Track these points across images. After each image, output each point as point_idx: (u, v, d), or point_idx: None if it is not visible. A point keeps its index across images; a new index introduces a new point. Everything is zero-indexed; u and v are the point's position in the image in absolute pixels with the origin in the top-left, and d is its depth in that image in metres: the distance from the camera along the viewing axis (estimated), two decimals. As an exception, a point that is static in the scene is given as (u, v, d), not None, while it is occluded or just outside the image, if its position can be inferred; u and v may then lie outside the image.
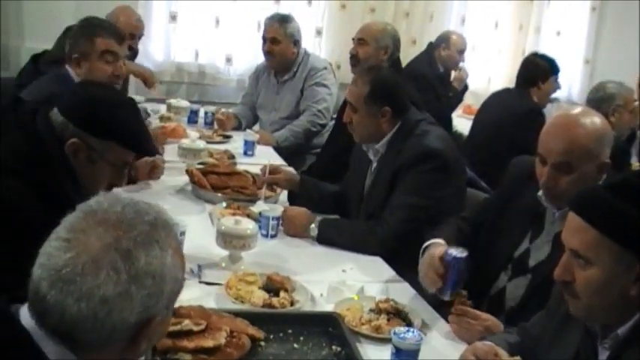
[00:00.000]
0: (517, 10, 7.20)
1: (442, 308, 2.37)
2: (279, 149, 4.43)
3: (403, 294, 2.47)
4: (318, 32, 6.52)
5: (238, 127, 4.77)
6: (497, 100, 4.96)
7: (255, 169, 3.63)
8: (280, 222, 2.91)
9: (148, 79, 4.74)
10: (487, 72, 7.18)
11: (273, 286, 2.36)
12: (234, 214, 2.83)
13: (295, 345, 2.05)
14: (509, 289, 2.45)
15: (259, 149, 4.24)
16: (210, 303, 2.19)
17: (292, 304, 2.29)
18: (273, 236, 2.86)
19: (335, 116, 4.54)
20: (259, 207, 3.06)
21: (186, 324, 1.91)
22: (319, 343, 2.07)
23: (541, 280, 2.27)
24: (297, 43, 4.76)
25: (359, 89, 2.98)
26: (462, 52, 5.99)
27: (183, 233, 2.50)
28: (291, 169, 3.41)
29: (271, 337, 2.07)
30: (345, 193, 3.31)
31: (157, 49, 6.12)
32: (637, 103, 4.34)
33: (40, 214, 1.82)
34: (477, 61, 7.05)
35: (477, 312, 2.24)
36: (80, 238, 1.18)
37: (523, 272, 2.41)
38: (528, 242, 2.43)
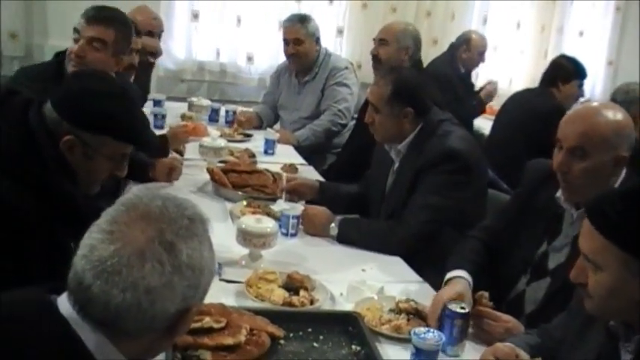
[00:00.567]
0: (539, 11, 7.17)
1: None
2: (299, 148, 4.43)
3: (423, 294, 2.45)
4: (340, 32, 6.53)
5: (259, 126, 4.78)
6: (519, 100, 4.93)
7: (276, 168, 3.65)
8: (300, 221, 2.91)
9: None
10: (509, 72, 7.15)
11: (293, 285, 2.36)
12: (254, 213, 2.84)
13: (315, 344, 2.05)
14: (528, 292, 2.43)
15: (280, 148, 4.25)
16: (230, 301, 2.19)
17: (312, 302, 2.29)
18: (293, 235, 2.86)
19: (356, 116, 4.54)
20: (279, 206, 3.06)
21: (207, 321, 1.92)
22: (339, 342, 2.07)
23: (561, 283, 2.25)
24: (318, 40, 4.77)
25: (381, 90, 2.97)
26: (482, 53, 5.97)
27: (204, 231, 2.52)
28: (310, 180, 3.41)
29: (291, 335, 2.07)
30: (365, 193, 3.31)
31: (179, 47, 6.16)
32: None
33: (39, 212, 1.82)
34: (498, 62, 7.04)
35: (498, 313, 2.23)
36: (124, 231, 1.22)
37: (542, 275, 2.40)
38: (547, 245, 2.41)
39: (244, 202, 3.08)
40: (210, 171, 3.34)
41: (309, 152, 4.41)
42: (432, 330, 2.02)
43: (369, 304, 2.30)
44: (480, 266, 2.46)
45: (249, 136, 4.49)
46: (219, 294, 2.24)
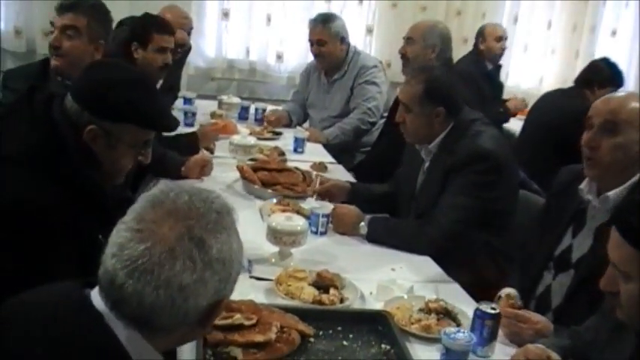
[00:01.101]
0: (571, 10, 7.10)
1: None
2: (328, 147, 4.43)
3: (453, 294, 2.45)
4: (369, 30, 6.53)
5: (289, 125, 4.80)
6: (550, 100, 4.89)
7: (305, 166, 3.66)
8: (330, 219, 2.92)
9: None
10: (539, 72, 7.10)
11: (322, 283, 2.36)
12: (284, 211, 2.85)
13: (344, 342, 2.05)
14: (554, 287, 2.44)
15: (309, 146, 4.25)
16: (260, 298, 2.20)
17: (342, 301, 2.30)
18: (323, 233, 2.87)
19: (385, 114, 4.53)
20: (309, 204, 3.07)
21: (237, 318, 1.93)
22: (368, 341, 2.07)
23: (585, 275, 2.26)
24: (343, 40, 4.75)
25: (412, 89, 2.97)
26: (499, 39, 5.83)
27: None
28: (342, 182, 3.41)
29: (320, 333, 2.07)
30: (396, 192, 3.30)
31: (209, 45, 6.21)
32: None
33: (67, 206, 1.83)
34: (529, 61, 6.99)
35: (527, 314, 2.21)
36: (152, 229, 1.22)
37: (566, 268, 2.41)
38: (571, 238, 2.42)
39: (274, 200, 3.09)
40: (240, 169, 3.36)
41: (338, 151, 4.41)
42: (462, 330, 2.01)
43: (399, 303, 2.30)
44: None
45: (278, 134, 4.50)
46: (249, 291, 2.25)
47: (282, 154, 3.93)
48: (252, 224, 2.82)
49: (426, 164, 3.07)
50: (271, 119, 4.74)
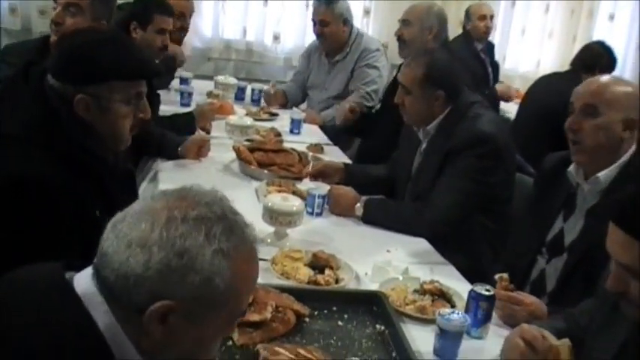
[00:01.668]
0: (569, -7, 7.07)
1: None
2: (325, 128, 4.43)
3: (448, 276, 2.46)
4: (367, 12, 6.50)
5: (284, 105, 4.79)
6: (546, 83, 4.88)
7: (302, 148, 3.66)
8: (326, 200, 2.92)
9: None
10: (536, 56, 7.08)
11: (318, 264, 2.37)
12: (280, 192, 2.85)
13: (339, 322, 2.06)
14: (548, 271, 2.46)
15: (306, 127, 4.26)
16: (256, 278, 2.20)
17: (337, 282, 2.31)
18: (319, 214, 2.88)
19: (381, 97, 4.53)
20: (306, 185, 3.07)
21: (233, 297, 1.93)
22: (363, 322, 2.08)
23: (578, 258, 2.30)
24: (347, 21, 4.73)
25: (413, 72, 2.96)
26: (483, 17, 5.78)
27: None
28: (336, 162, 3.41)
29: (316, 313, 2.08)
30: (393, 175, 3.31)
31: (206, 25, 6.17)
32: None
33: (69, 182, 1.83)
34: (526, 45, 6.97)
35: (520, 296, 2.23)
36: (158, 197, 1.22)
37: (559, 253, 2.43)
38: (562, 222, 2.44)
39: (270, 181, 3.10)
40: (236, 149, 3.36)
41: (335, 133, 4.40)
42: (457, 311, 2.02)
43: (394, 284, 2.31)
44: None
45: (275, 115, 4.50)
46: (245, 271, 2.25)
47: (279, 135, 3.93)
48: (248, 205, 2.81)
49: (423, 146, 3.07)
50: (270, 93, 4.74)
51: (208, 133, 3.81)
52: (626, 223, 1.57)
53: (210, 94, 4.61)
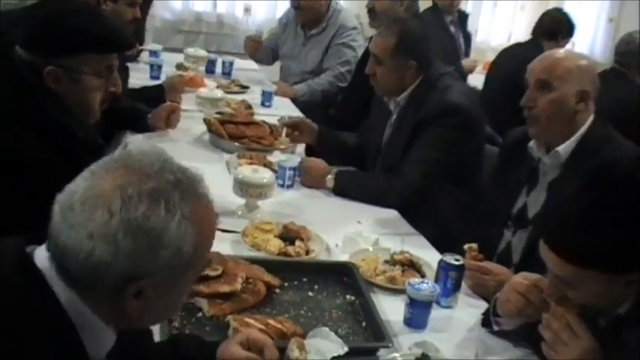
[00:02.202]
0: (541, -34, 7.08)
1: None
2: (297, 101, 4.41)
3: (418, 247, 2.47)
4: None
5: (257, 49, 4.81)
6: (509, 55, 4.90)
7: (273, 121, 3.63)
8: (297, 172, 2.91)
9: None
10: (508, 28, 7.09)
11: (289, 235, 2.37)
12: (251, 164, 2.84)
13: (310, 293, 2.07)
14: (514, 243, 2.49)
15: (277, 100, 4.23)
16: (226, 250, 2.20)
17: (308, 253, 2.31)
18: (290, 186, 2.87)
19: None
20: (277, 157, 3.06)
21: (203, 269, 1.93)
22: (334, 292, 2.09)
23: None
24: None
25: (385, 41, 2.94)
26: None
27: (200, 181, 2.52)
28: (310, 122, 3.40)
29: (286, 284, 2.08)
30: (364, 144, 3.30)
31: (176, -2, 6.10)
32: None
33: (43, 155, 1.81)
34: (498, 17, 6.97)
35: (489, 266, 2.24)
36: (101, 174, 1.17)
37: (524, 225, 2.45)
38: (525, 196, 2.47)
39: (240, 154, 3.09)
40: (207, 122, 3.33)
41: (307, 107, 4.38)
42: (426, 281, 2.03)
43: (365, 255, 2.32)
44: None
45: (245, 87, 4.46)
46: (215, 243, 2.23)
47: (250, 107, 3.90)
48: (219, 177, 2.82)
49: (394, 117, 3.07)
50: (252, 40, 4.77)
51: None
52: (555, 247, 1.60)
53: (179, 67, 4.56)
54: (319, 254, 2.32)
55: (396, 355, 1.79)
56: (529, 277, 1.88)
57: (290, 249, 2.29)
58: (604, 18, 7.23)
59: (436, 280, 2.12)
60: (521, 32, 7.06)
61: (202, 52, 4.88)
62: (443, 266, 2.13)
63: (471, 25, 6.33)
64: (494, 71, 4.95)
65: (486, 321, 2.00)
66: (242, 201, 2.57)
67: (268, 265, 2.11)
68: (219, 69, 4.78)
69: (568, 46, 4.87)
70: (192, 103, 3.76)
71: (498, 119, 4.00)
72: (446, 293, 2.12)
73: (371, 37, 3.36)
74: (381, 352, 1.81)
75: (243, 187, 2.53)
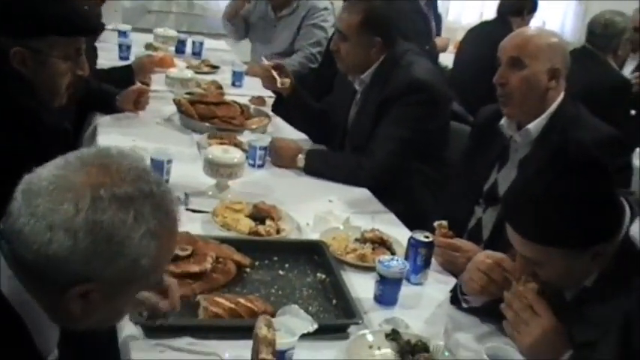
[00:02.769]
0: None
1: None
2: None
3: (389, 225, 2.49)
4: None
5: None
6: (477, 33, 4.92)
7: (244, 100, 3.62)
8: (268, 152, 2.90)
9: None
10: (479, 8, 7.10)
11: (259, 215, 2.37)
12: (222, 144, 2.83)
13: (280, 272, 2.07)
14: (484, 220, 2.51)
15: (248, 80, 4.20)
16: (196, 230, 2.19)
17: (278, 232, 2.31)
18: (261, 166, 2.86)
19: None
20: (247, 137, 3.05)
21: (173, 249, 1.92)
22: (304, 271, 2.09)
23: None
24: None
25: (350, 18, 2.93)
26: None
27: (170, 162, 2.51)
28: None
29: (257, 263, 2.08)
30: (327, 110, 3.30)
31: (146, -23, 6.03)
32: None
33: (8, 139, 1.78)
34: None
35: (459, 243, 2.26)
36: (75, 167, 1.14)
37: (494, 202, 2.47)
38: (496, 173, 2.48)
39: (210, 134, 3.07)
40: (177, 102, 3.31)
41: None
42: (396, 258, 2.04)
43: (335, 233, 2.33)
44: None
45: (216, 67, 4.43)
46: (185, 223, 2.22)
47: (220, 87, 3.87)
48: (189, 158, 2.81)
49: (358, 95, 3.07)
50: None
51: (148, 86, 3.73)
52: (518, 226, 1.64)
53: (149, 47, 4.51)
54: (290, 233, 2.32)
55: (366, 331, 1.80)
56: (492, 256, 1.90)
57: (260, 228, 2.29)
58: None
59: (406, 258, 2.13)
60: (492, 11, 7.04)
61: (172, 32, 4.84)
62: (412, 243, 2.15)
63: (442, 5, 6.33)
64: (464, 50, 4.97)
65: (455, 299, 2.02)
66: (212, 181, 2.56)
67: (238, 244, 2.10)
68: (189, 49, 4.75)
69: (538, 24, 4.90)
70: (162, 84, 3.72)
71: (469, 98, 4.03)
72: (416, 270, 2.13)
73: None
74: (352, 329, 1.82)
75: (213, 167, 2.52)
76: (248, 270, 2.05)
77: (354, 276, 2.13)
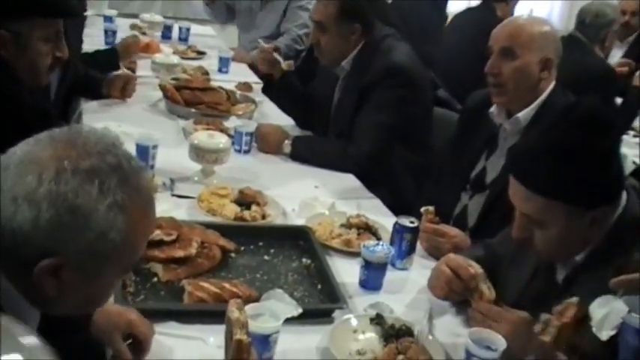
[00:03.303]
0: None
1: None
2: (254, 67, 4.37)
3: (374, 210, 2.49)
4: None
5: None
6: (464, 19, 4.91)
7: (230, 87, 3.61)
8: (254, 138, 2.90)
9: None
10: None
11: (245, 200, 2.37)
12: (207, 129, 2.82)
13: (266, 257, 2.07)
14: (470, 207, 2.52)
15: (234, 66, 4.20)
16: (181, 215, 2.19)
17: (264, 217, 2.31)
18: (247, 152, 2.86)
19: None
20: (233, 123, 3.04)
21: (157, 234, 1.92)
22: (289, 256, 2.09)
23: (497, 194, 2.35)
24: None
25: (327, 8, 2.91)
26: None
27: (155, 147, 2.50)
28: None
29: (242, 249, 2.08)
30: (312, 93, 3.32)
31: (131, -38, 5.99)
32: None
33: None
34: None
35: (445, 229, 2.27)
36: (44, 143, 1.13)
37: (481, 189, 2.48)
38: (484, 161, 2.49)
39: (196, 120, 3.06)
40: (162, 87, 3.29)
41: (264, 73, 4.34)
42: (381, 243, 2.05)
43: (321, 219, 2.33)
44: None
45: (202, 53, 4.42)
46: (170, 209, 2.24)
47: (206, 73, 3.86)
48: (175, 143, 2.80)
49: (340, 82, 3.07)
50: None
51: (134, 72, 3.71)
52: (524, 178, 1.65)
53: (134, 27, 4.48)
54: (275, 219, 2.32)
55: (351, 316, 1.81)
56: (453, 262, 1.91)
57: (246, 214, 2.28)
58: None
59: (391, 243, 2.14)
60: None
61: (158, 18, 4.82)
62: (397, 229, 2.15)
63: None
64: (450, 36, 4.95)
65: None
66: (198, 166, 2.56)
67: (224, 229, 2.10)
68: (175, 35, 4.73)
69: (525, 11, 4.90)
70: (148, 69, 3.71)
71: (455, 84, 4.02)
72: (401, 255, 2.14)
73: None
74: (336, 314, 1.83)
75: (198, 152, 2.51)
76: (233, 255, 2.05)
77: (339, 261, 2.13)
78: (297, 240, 2.16)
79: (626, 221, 1.66)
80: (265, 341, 1.55)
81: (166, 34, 4.70)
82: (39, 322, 1.20)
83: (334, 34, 2.92)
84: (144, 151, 2.46)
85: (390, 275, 2.05)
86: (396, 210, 2.46)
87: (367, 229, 2.29)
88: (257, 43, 4.56)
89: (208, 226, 2.10)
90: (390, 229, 2.20)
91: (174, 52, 4.14)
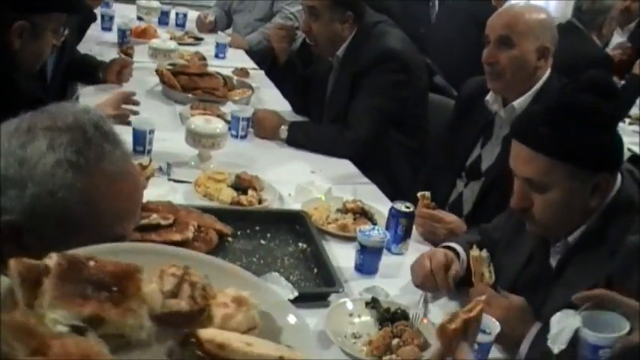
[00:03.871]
0: None
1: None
2: (251, 53, 4.37)
3: (370, 195, 2.50)
4: None
5: (212, 30, 4.70)
6: (457, 6, 4.89)
7: (227, 72, 3.61)
8: (250, 124, 2.90)
9: None
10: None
11: (241, 185, 2.37)
12: (204, 115, 2.82)
13: (262, 241, 2.08)
14: (465, 194, 2.53)
15: (231, 52, 4.19)
16: (178, 200, 2.20)
17: (260, 202, 2.32)
18: (243, 137, 2.86)
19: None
20: (230, 108, 3.05)
21: (154, 218, 1.93)
22: (286, 240, 2.11)
23: (492, 181, 2.38)
24: None
25: None
26: None
27: (152, 132, 2.51)
28: None
29: (239, 233, 2.09)
30: (310, 85, 3.33)
31: (128, -53, 5.94)
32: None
33: None
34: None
35: (441, 214, 2.28)
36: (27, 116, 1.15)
37: (477, 177, 2.50)
38: (480, 148, 2.50)
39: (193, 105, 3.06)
40: (159, 73, 3.29)
41: (261, 57, 4.34)
42: (377, 228, 2.06)
43: (317, 204, 2.34)
44: None
45: (199, 39, 4.40)
46: (167, 193, 2.24)
47: (203, 59, 3.85)
48: (172, 128, 2.81)
49: (334, 69, 3.08)
50: (203, 21, 4.63)
51: (131, 57, 3.70)
52: (528, 138, 1.65)
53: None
54: (272, 204, 2.33)
55: (347, 299, 1.82)
56: (432, 258, 1.91)
57: (242, 198, 2.29)
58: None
59: (387, 228, 2.15)
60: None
61: (155, 4, 4.78)
62: (393, 213, 2.16)
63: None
64: (444, 23, 4.93)
65: None
66: (195, 151, 2.56)
67: (220, 214, 2.11)
68: (172, 20, 4.70)
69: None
70: (145, 55, 3.70)
71: (452, 71, 4.02)
72: (396, 240, 2.15)
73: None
74: (332, 297, 1.84)
75: (195, 137, 2.52)
76: (230, 239, 2.06)
77: (335, 245, 2.14)
78: (293, 224, 2.17)
79: (620, 203, 1.67)
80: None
81: (163, 20, 4.67)
82: None
83: (327, 21, 2.93)
84: (141, 136, 2.47)
85: (386, 260, 2.06)
86: (393, 196, 2.47)
87: (363, 213, 2.30)
88: (252, 27, 4.60)
89: (205, 210, 2.10)
90: (386, 214, 2.21)
91: (171, 38, 4.13)
